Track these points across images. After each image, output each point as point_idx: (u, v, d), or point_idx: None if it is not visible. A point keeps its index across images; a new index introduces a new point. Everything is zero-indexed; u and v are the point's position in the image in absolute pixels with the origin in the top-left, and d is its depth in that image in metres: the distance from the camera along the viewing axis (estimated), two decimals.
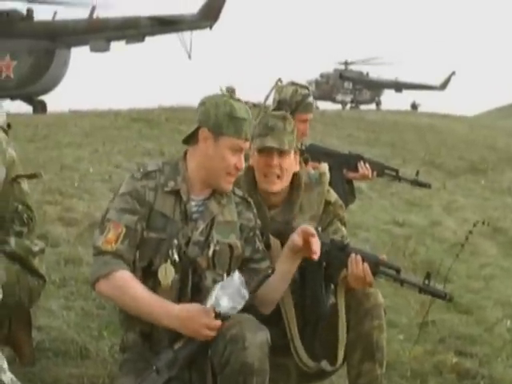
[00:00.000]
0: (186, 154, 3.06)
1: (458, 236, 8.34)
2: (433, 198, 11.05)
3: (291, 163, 3.29)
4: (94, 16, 27.19)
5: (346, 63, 53.68)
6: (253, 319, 2.76)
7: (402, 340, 4.69)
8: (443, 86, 54.09)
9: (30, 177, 3.54)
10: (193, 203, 2.99)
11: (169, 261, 2.88)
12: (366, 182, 5.52)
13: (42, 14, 27.39)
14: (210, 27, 26.04)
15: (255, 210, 3.14)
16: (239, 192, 3.13)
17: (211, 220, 2.98)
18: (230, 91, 4.19)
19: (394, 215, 9.57)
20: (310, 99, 4.23)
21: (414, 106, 49.23)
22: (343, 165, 4.43)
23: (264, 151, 3.24)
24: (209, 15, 24.75)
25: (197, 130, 2.98)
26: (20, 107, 27.44)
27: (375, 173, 4.55)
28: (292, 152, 3.29)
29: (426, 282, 2.93)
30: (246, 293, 2.71)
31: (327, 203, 3.37)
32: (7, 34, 26.20)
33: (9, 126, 3.51)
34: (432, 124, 24.10)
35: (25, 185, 3.47)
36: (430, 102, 69.31)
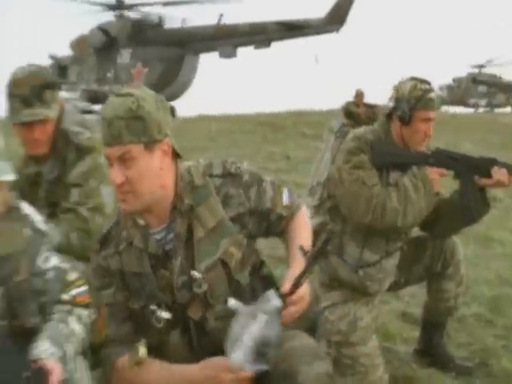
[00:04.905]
0: None
1: None
2: None
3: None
4: (222, 22, 27.41)
5: (479, 66, 52.12)
6: (307, 343, 2.26)
7: None
8: None
9: None
10: (156, 237, 2.39)
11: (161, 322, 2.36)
12: (502, 189, 4.71)
13: (172, 21, 27.81)
14: (337, 31, 25.71)
15: (247, 177, 2.42)
16: (217, 169, 2.44)
17: (186, 244, 2.35)
18: (359, 94, 3.93)
19: None
20: (432, 95, 3.73)
21: None
22: (474, 171, 3.91)
23: None
24: (336, 19, 24.39)
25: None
26: None
27: None
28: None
29: None
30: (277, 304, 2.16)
31: None
32: (139, 42, 26.82)
33: None
34: None
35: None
36: None
